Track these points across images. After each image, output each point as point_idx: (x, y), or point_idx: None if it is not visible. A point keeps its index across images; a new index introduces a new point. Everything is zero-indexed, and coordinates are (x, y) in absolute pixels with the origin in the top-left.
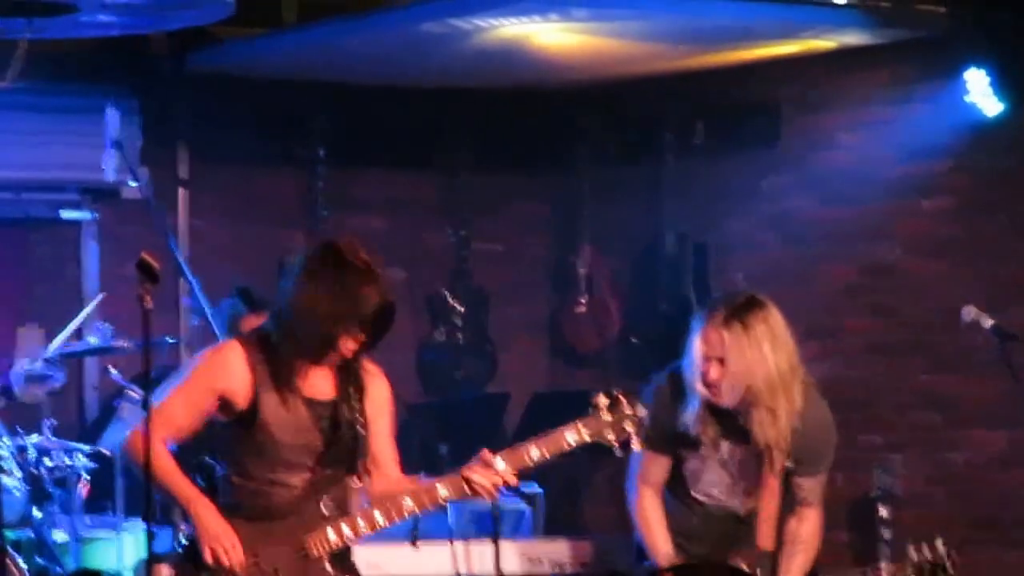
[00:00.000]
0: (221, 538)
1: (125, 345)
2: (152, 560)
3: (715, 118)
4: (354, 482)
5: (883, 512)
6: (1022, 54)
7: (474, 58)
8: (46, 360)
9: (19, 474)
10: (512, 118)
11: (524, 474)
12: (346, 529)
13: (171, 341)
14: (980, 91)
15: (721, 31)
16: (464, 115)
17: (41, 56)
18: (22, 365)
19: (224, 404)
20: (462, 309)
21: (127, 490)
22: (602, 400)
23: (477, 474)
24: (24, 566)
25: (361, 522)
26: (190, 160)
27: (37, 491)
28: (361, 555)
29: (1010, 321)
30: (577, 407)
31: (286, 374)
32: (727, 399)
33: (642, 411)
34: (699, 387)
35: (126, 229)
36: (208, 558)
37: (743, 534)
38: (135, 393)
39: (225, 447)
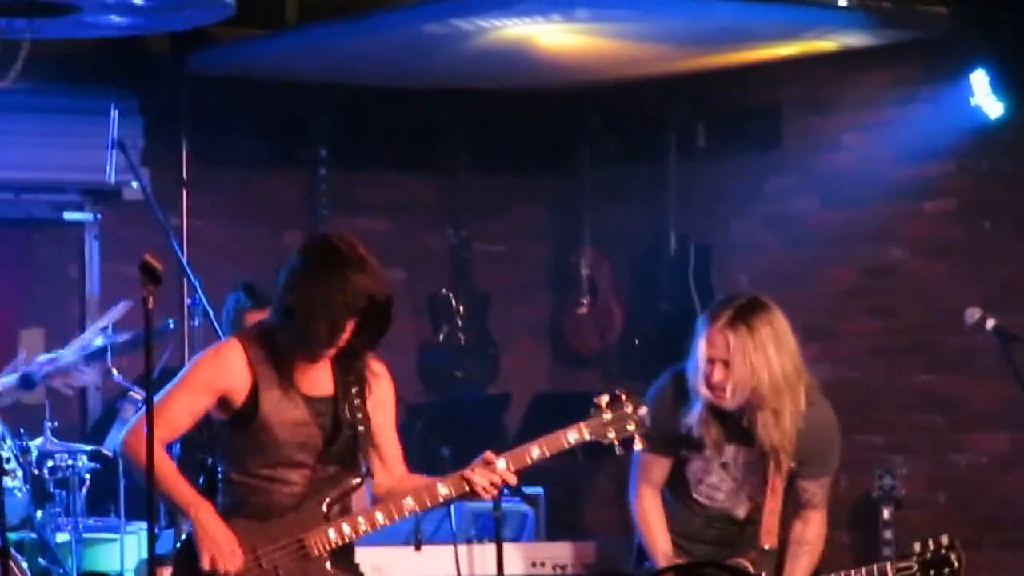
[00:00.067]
0: (221, 544)
1: (127, 338)
2: (154, 562)
3: (717, 119)
4: (355, 480)
5: (885, 513)
6: None
7: (476, 59)
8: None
9: (21, 475)
10: (514, 119)
11: (526, 477)
12: (346, 528)
13: (172, 325)
14: (983, 93)
15: (723, 32)
16: (466, 116)
17: (43, 57)
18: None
19: (223, 402)
20: (463, 310)
21: (129, 492)
22: (604, 400)
23: (478, 474)
24: (26, 567)
25: (362, 521)
26: (192, 161)
27: (39, 493)
28: (365, 557)
29: (1012, 322)
30: (578, 408)
31: (286, 371)
32: (731, 402)
33: (643, 411)
34: (703, 389)
35: (128, 230)
36: (206, 564)
37: (745, 536)
38: (137, 395)
39: (225, 445)
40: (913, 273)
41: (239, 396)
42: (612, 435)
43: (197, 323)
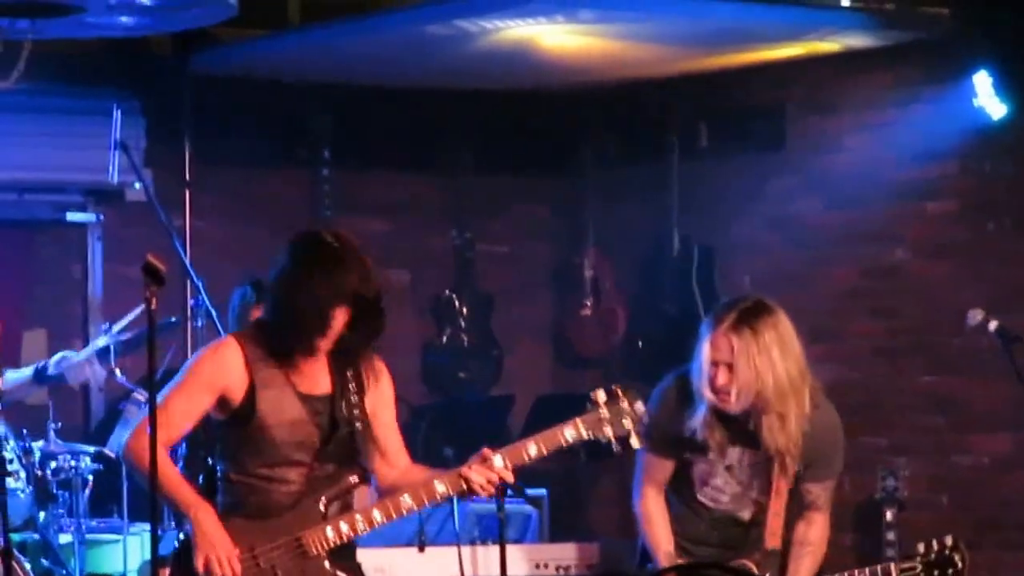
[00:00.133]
0: (217, 547)
1: (129, 337)
2: (157, 563)
3: (720, 120)
4: (353, 478)
5: (887, 514)
6: None
7: (479, 59)
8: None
9: (24, 476)
10: (517, 120)
11: (530, 478)
12: (344, 526)
13: (173, 320)
14: (985, 94)
15: (726, 33)
16: (468, 116)
17: (45, 58)
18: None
19: (222, 402)
20: (466, 311)
21: (132, 493)
22: (600, 396)
23: (475, 472)
24: (29, 568)
25: (360, 519)
26: (194, 162)
27: (42, 494)
28: (368, 559)
29: (1014, 323)
30: (581, 410)
31: (283, 370)
32: (735, 405)
33: (641, 407)
34: (707, 393)
35: (130, 231)
36: (200, 565)
37: (749, 538)
38: (140, 396)
39: (223, 445)
40: (915, 274)
41: (237, 395)
42: (609, 431)
43: (200, 324)
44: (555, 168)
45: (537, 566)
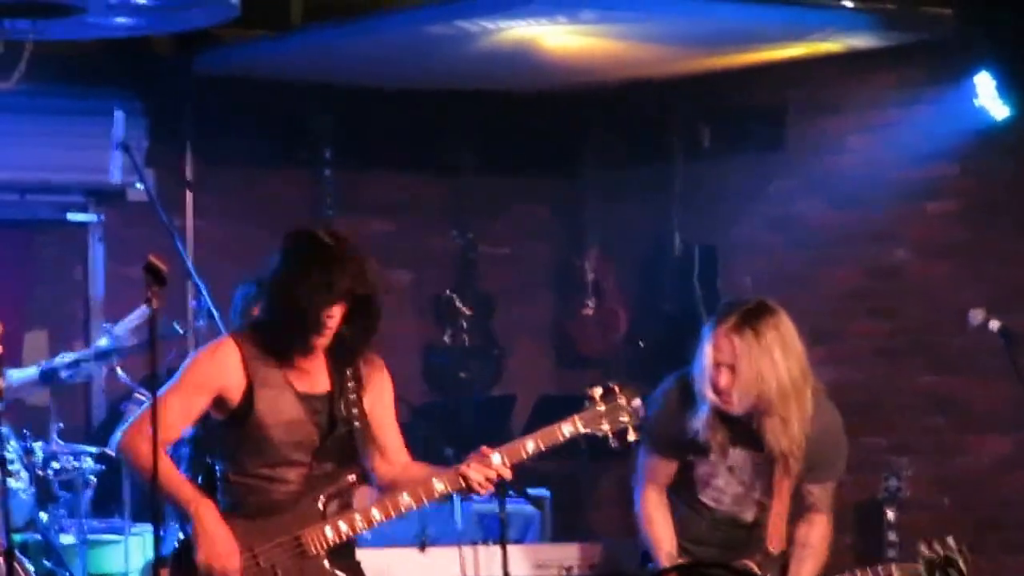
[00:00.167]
0: (217, 542)
1: (135, 343)
2: (159, 563)
3: (722, 121)
4: (352, 477)
5: (889, 515)
6: None
7: (480, 60)
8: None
9: (26, 477)
10: (518, 120)
11: (532, 478)
12: (343, 525)
13: (180, 331)
14: (987, 94)
15: (728, 34)
16: (470, 117)
17: (46, 58)
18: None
19: (219, 402)
20: (468, 312)
21: (134, 493)
22: (597, 392)
23: (474, 470)
24: (31, 569)
25: (358, 518)
26: (196, 162)
27: (44, 494)
28: (369, 559)
29: (1015, 323)
30: (580, 408)
31: (280, 369)
32: (738, 406)
33: (637, 403)
34: (709, 394)
35: (132, 231)
36: (201, 558)
37: (752, 539)
38: (142, 395)
39: (221, 445)
40: (916, 274)
41: (234, 395)
42: (606, 427)
43: (202, 324)
44: (556, 168)
45: (539, 566)
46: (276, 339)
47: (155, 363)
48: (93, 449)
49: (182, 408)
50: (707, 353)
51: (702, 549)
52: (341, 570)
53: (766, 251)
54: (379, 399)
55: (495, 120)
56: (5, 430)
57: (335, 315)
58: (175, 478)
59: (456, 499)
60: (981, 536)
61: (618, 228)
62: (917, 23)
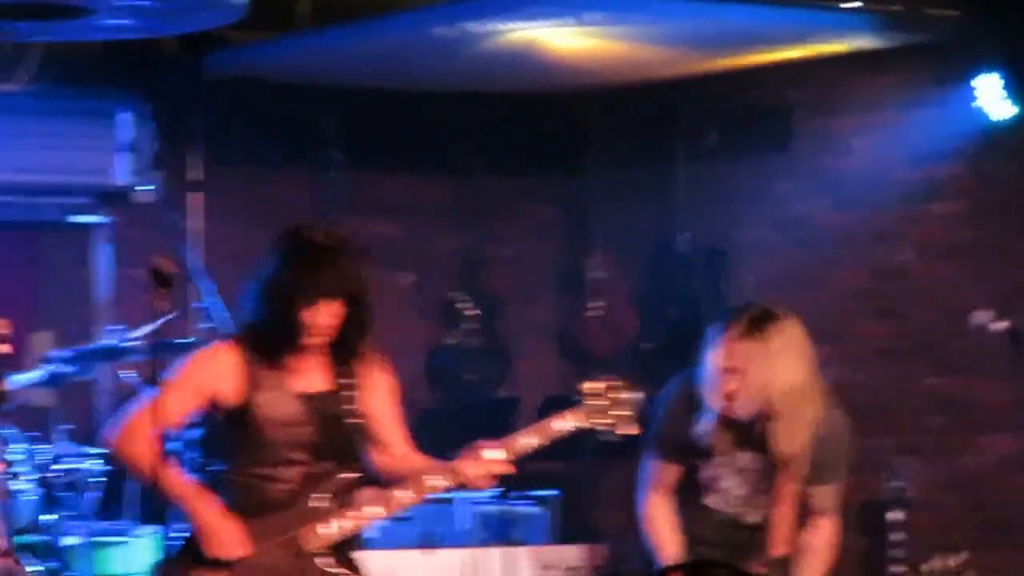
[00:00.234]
0: (221, 531)
1: (139, 344)
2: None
3: (727, 122)
4: (351, 475)
5: (894, 516)
6: None
7: (487, 62)
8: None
9: (31, 478)
10: (524, 122)
11: (538, 479)
12: (343, 524)
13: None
14: (991, 95)
15: (733, 35)
16: (476, 119)
17: (53, 59)
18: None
19: (216, 403)
20: (474, 313)
21: (139, 495)
22: (591, 387)
23: (470, 465)
24: (37, 570)
25: (356, 515)
26: (202, 163)
27: (49, 495)
28: (373, 561)
29: (1020, 324)
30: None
31: (278, 369)
32: (744, 411)
33: (631, 396)
34: (716, 399)
35: (138, 233)
36: (212, 552)
37: (756, 542)
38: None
39: (220, 445)
40: (922, 275)
41: (231, 397)
42: (601, 422)
43: (208, 326)
44: (562, 170)
45: (545, 567)
46: (267, 339)
47: (160, 365)
48: (98, 450)
49: (176, 407)
50: (714, 359)
51: (706, 551)
52: (341, 568)
53: (771, 251)
54: (380, 395)
55: (501, 121)
56: (10, 431)
57: (327, 314)
58: (173, 477)
59: (460, 501)
60: (986, 537)
61: (623, 229)
62: (921, 24)
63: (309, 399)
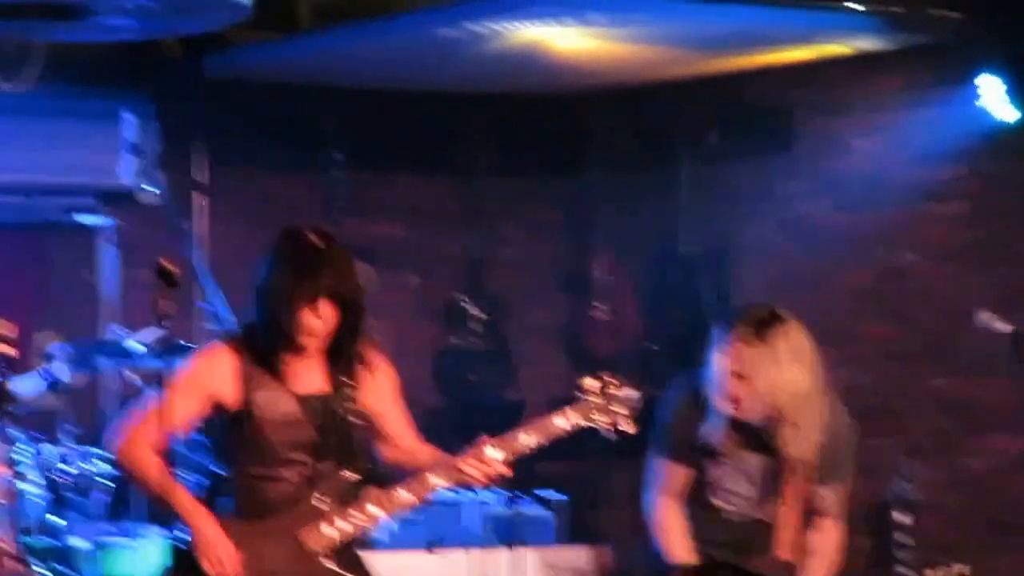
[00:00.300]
0: (218, 548)
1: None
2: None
3: (729, 123)
4: (351, 475)
5: (899, 518)
6: None
7: (490, 63)
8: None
9: (39, 480)
10: (527, 123)
11: (545, 481)
12: (344, 524)
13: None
14: (994, 96)
15: (735, 36)
16: (480, 120)
17: (57, 60)
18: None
19: (216, 405)
20: (480, 315)
21: (147, 497)
22: (589, 384)
23: (470, 465)
24: (44, 573)
25: (359, 516)
26: (207, 165)
27: (56, 497)
28: (379, 562)
29: (1022, 326)
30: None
31: (276, 371)
32: (751, 414)
33: (629, 393)
34: (721, 402)
35: (143, 234)
36: (208, 568)
37: (762, 543)
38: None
39: (221, 446)
40: (925, 276)
41: (231, 399)
42: (600, 418)
43: (212, 328)
44: (565, 171)
45: (553, 569)
46: (264, 341)
47: (165, 368)
48: (106, 452)
49: (176, 413)
50: (719, 362)
51: (712, 552)
52: (343, 569)
53: (774, 252)
54: (379, 391)
55: (504, 122)
56: (17, 433)
57: (322, 316)
58: (171, 486)
59: (466, 502)
60: (992, 538)
61: (627, 230)
62: (924, 25)
63: (307, 400)
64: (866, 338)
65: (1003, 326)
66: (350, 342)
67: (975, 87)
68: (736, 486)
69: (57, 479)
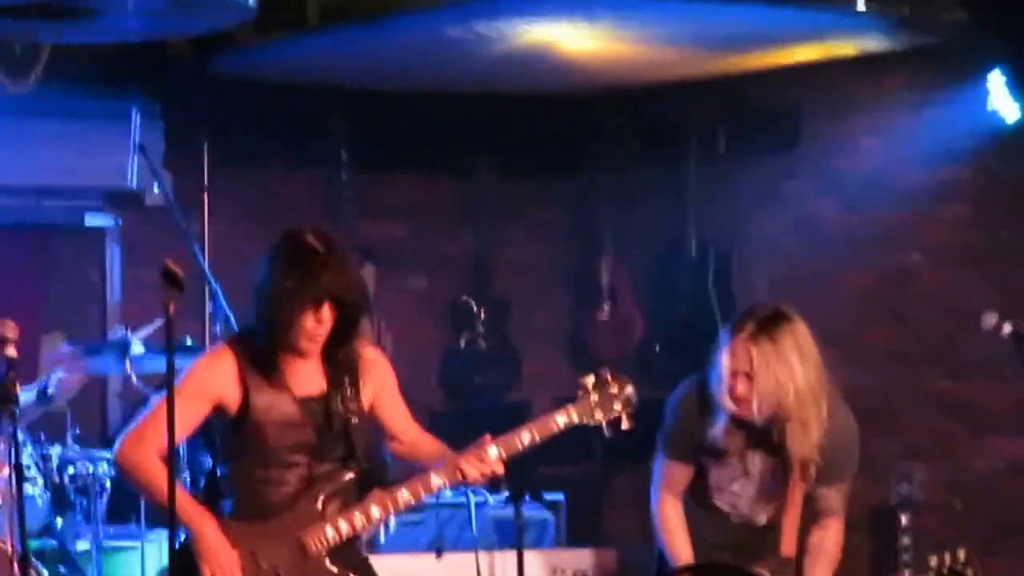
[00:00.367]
0: (220, 556)
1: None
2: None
3: (736, 123)
4: (351, 476)
5: (902, 519)
6: None
7: (496, 63)
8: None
9: (42, 483)
10: (533, 124)
11: (548, 483)
12: (344, 525)
13: (190, 344)
14: (999, 96)
15: (742, 36)
16: (486, 121)
17: (63, 61)
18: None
19: (218, 408)
20: (484, 316)
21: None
22: (590, 381)
23: (471, 465)
24: (46, 575)
25: (358, 516)
26: (212, 165)
27: (60, 500)
28: (385, 565)
29: None
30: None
31: (275, 373)
32: (756, 414)
33: (630, 391)
34: (727, 402)
35: (149, 235)
36: (209, 573)
37: (766, 543)
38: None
39: (221, 448)
40: (930, 277)
41: (232, 401)
42: (600, 416)
43: (218, 329)
44: (571, 171)
45: (555, 571)
46: (263, 343)
47: (172, 370)
48: (109, 455)
49: (181, 418)
50: (724, 362)
51: (715, 552)
52: (343, 569)
53: (781, 253)
54: (379, 389)
55: (510, 123)
56: (21, 435)
57: (319, 318)
58: (172, 491)
59: (472, 505)
60: (996, 540)
61: (633, 231)
62: (930, 26)
63: (307, 402)
64: (871, 339)
65: (1009, 327)
66: (348, 343)
67: (980, 87)
68: (740, 487)
69: (61, 481)
